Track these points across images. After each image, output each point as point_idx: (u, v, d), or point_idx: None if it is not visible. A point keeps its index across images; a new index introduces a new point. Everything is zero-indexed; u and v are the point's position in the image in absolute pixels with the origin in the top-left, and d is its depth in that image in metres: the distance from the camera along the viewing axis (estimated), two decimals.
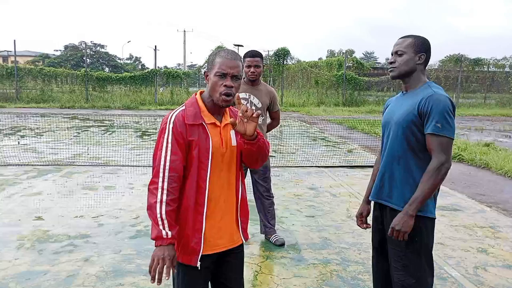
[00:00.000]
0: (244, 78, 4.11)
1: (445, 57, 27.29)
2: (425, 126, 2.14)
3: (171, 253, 1.77)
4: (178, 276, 1.96)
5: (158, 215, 1.78)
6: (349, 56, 28.77)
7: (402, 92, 2.37)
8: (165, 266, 1.75)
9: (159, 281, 1.75)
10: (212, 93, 1.91)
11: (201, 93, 2.01)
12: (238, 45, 32.53)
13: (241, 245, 2.11)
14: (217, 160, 1.92)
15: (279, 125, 4.39)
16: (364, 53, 79.86)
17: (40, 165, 7.56)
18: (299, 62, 28.05)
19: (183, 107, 1.94)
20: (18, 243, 4.00)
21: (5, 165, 7.43)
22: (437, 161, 2.10)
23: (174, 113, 1.92)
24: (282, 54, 25.52)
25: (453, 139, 2.12)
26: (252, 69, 3.90)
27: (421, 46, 2.24)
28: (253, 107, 3.97)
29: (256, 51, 3.99)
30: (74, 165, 7.62)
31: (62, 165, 7.59)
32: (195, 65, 31.97)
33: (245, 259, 3.68)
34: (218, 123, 1.95)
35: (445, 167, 2.10)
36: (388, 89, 27.89)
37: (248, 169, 4.10)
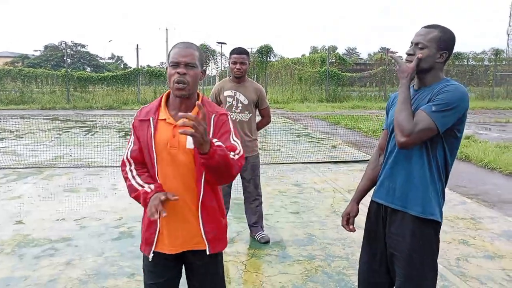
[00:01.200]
0: (230, 75, 4.09)
1: None
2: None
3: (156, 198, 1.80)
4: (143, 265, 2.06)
5: (137, 185, 1.92)
6: (332, 52, 28.90)
7: (413, 87, 2.09)
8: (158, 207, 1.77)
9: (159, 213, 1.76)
10: (169, 85, 1.90)
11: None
12: (222, 43, 32.47)
13: (210, 256, 1.96)
14: (165, 159, 1.88)
15: (270, 123, 4.35)
16: (346, 49, 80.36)
17: (20, 168, 7.41)
18: (282, 59, 28.09)
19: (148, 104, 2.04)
20: None
21: None
22: (409, 124, 1.87)
23: (141, 108, 2.04)
24: (265, 51, 25.53)
25: (437, 131, 1.88)
26: (238, 66, 3.88)
27: (447, 43, 1.96)
28: (239, 104, 3.95)
29: (242, 48, 3.97)
30: (55, 167, 7.49)
31: (42, 167, 7.45)
32: None
33: (230, 258, 3.73)
34: (170, 120, 1.89)
35: (408, 139, 1.87)
36: (371, 84, 28.15)
37: None
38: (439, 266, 3.58)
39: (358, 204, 2.31)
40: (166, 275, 2.01)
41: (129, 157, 1.98)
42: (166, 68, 1.94)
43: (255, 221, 4.19)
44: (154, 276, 2.00)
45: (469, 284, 3.31)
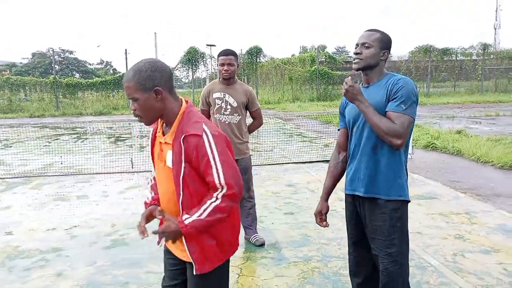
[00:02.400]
0: (219, 77, 4.03)
1: (415, 48, 27.82)
2: (389, 104, 2.16)
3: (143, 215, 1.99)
4: None
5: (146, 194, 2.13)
6: (321, 52, 28.95)
7: (362, 85, 2.36)
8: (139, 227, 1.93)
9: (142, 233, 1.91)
10: None
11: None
12: (211, 45, 32.30)
13: (201, 276, 1.88)
14: (157, 170, 1.97)
15: (262, 124, 4.26)
16: (336, 47, 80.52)
17: (9, 177, 7.28)
18: (272, 59, 28.06)
19: None
20: None
21: None
22: (397, 129, 2.10)
23: None
24: (255, 52, 25.47)
25: (414, 121, 2.18)
26: (225, 67, 3.83)
27: (387, 43, 2.27)
28: (229, 107, 3.90)
29: (230, 49, 3.92)
30: (45, 175, 7.37)
31: (32, 176, 7.34)
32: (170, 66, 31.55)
33: None
34: (160, 136, 1.92)
35: (399, 142, 2.11)
36: (361, 82, 28.18)
37: None
38: (435, 262, 3.58)
39: (326, 201, 2.54)
40: (179, 278, 2.04)
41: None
42: None
43: (249, 223, 4.14)
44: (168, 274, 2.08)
45: (466, 279, 3.29)
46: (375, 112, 2.15)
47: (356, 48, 2.30)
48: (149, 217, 1.97)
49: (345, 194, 2.43)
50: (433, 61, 27.00)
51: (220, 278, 1.97)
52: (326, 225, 2.51)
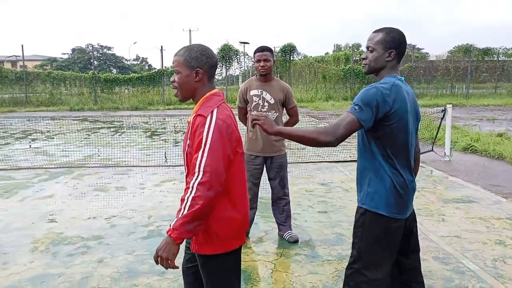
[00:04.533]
0: (256, 75, 4.06)
1: (454, 48, 26.97)
2: None
3: None
4: None
5: None
6: (356, 50, 28.53)
7: None
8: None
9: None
10: None
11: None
12: (244, 43, 32.49)
13: (202, 256, 1.95)
14: None
15: (298, 122, 4.27)
16: None
17: (52, 168, 7.60)
18: (305, 58, 27.91)
19: None
20: (32, 246, 4.02)
21: (17, 169, 7.48)
22: (327, 127, 2.05)
23: None
24: (289, 50, 25.43)
25: (359, 124, 2.03)
26: (262, 63, 3.86)
27: (392, 42, 2.16)
28: (266, 104, 3.92)
29: (265, 46, 3.94)
30: (85, 167, 7.65)
31: (73, 167, 7.63)
32: None
33: (259, 257, 3.71)
34: (189, 120, 1.98)
35: (328, 138, 2.02)
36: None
37: (265, 166, 4.06)
38: (475, 267, 3.48)
39: None
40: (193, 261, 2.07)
41: None
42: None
43: (283, 220, 4.16)
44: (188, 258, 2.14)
45: (506, 286, 3.19)
46: (292, 129, 2.17)
47: (364, 52, 2.29)
48: None
49: None
50: (473, 61, 26.07)
51: (217, 265, 1.95)
52: None
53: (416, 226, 2.41)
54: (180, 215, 1.75)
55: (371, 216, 2.16)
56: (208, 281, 1.98)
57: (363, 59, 2.24)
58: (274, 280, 3.34)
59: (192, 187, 1.76)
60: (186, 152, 1.93)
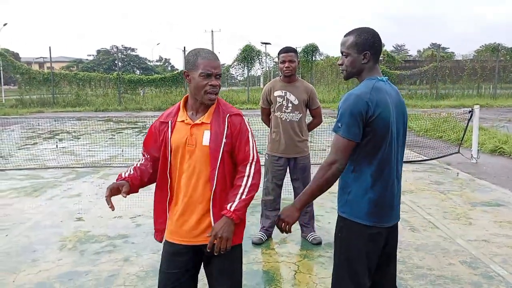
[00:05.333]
0: (280, 75, 4.06)
1: (481, 47, 26.33)
2: None
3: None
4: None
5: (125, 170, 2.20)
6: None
7: None
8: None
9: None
10: (197, 92, 2.02)
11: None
12: (266, 43, 32.61)
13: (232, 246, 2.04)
14: (179, 156, 2.04)
15: (321, 123, 4.27)
16: (394, 46, 78.18)
17: (78, 167, 7.79)
18: (328, 58, 27.73)
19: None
20: (60, 244, 4.13)
21: (45, 168, 7.69)
22: (327, 159, 1.99)
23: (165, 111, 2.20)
24: (311, 50, 25.35)
25: (352, 141, 1.95)
26: (286, 64, 3.86)
27: (364, 45, 2.06)
28: (290, 104, 3.92)
29: (290, 46, 3.94)
30: (111, 166, 7.80)
31: (99, 167, 7.79)
32: (223, 64, 32.19)
33: (282, 258, 3.71)
34: (188, 121, 2.05)
35: (335, 166, 1.96)
36: (421, 82, 27.17)
37: (288, 167, 4.06)
38: (504, 272, 3.40)
39: None
40: (183, 267, 2.08)
41: (143, 150, 2.22)
42: (184, 72, 2.10)
43: (307, 222, 4.15)
44: (171, 265, 2.10)
45: None
46: (306, 189, 2.08)
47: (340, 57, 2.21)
48: (114, 191, 2.12)
49: None
50: (501, 60, 25.37)
51: (238, 252, 2.15)
52: None
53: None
54: (240, 199, 1.98)
55: (349, 225, 2.07)
56: (232, 268, 2.11)
57: (340, 65, 2.16)
58: (298, 282, 3.34)
59: (249, 175, 2.01)
60: (223, 151, 2.00)
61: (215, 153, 1.99)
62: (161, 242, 2.17)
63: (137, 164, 2.22)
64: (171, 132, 2.06)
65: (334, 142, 2.00)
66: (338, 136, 1.98)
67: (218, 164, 2.00)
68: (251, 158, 2.04)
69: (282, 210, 2.16)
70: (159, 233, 2.18)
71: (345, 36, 2.13)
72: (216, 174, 2.00)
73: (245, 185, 2.00)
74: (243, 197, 1.98)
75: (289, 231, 2.13)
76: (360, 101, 1.95)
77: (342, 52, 2.13)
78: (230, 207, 1.96)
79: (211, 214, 2.02)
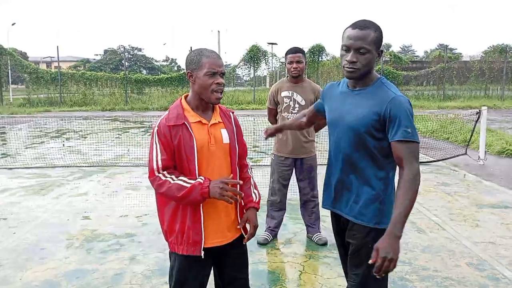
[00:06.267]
0: (287, 76, 4.06)
1: (488, 48, 26.14)
2: (390, 132, 1.83)
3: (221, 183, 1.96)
4: (175, 267, 2.10)
5: (183, 183, 1.93)
6: (386, 51, 28.06)
7: (348, 87, 2.03)
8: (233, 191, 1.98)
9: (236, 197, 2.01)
10: (203, 91, 2.01)
11: (185, 96, 2.12)
12: (272, 43, 32.58)
13: (242, 242, 2.20)
14: (205, 157, 2.02)
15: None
16: (401, 46, 77.79)
17: (85, 166, 7.83)
18: (334, 58, 27.66)
19: (167, 112, 2.08)
20: (67, 242, 4.16)
21: (52, 167, 7.75)
22: (413, 171, 1.80)
23: (159, 118, 2.06)
24: (317, 50, 25.28)
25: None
26: (294, 65, 3.86)
27: (381, 41, 1.86)
28: (297, 105, 3.92)
29: (297, 47, 3.94)
30: (117, 166, 7.84)
31: (105, 166, 7.83)
32: (229, 64, 32.27)
33: (288, 259, 3.72)
34: (204, 121, 2.06)
35: (419, 175, 1.83)
36: (428, 83, 27.02)
37: (294, 168, 4.06)
38: (510, 274, 3.38)
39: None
40: (202, 272, 2.10)
41: (160, 167, 1.98)
42: (188, 72, 2.04)
43: (312, 222, 4.15)
44: (193, 274, 2.08)
45: None
46: (405, 207, 1.78)
47: (345, 51, 1.89)
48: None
49: None
50: (509, 62, 25.18)
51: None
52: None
53: None
54: (256, 191, 2.27)
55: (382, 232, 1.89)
56: (246, 261, 2.26)
57: (351, 62, 1.85)
58: (303, 282, 3.34)
59: (251, 171, 2.33)
60: (238, 150, 2.16)
61: (234, 149, 2.12)
62: (199, 255, 2.02)
63: (179, 177, 1.99)
64: (187, 133, 1.99)
65: (411, 150, 1.80)
66: (415, 143, 1.81)
67: (236, 159, 2.15)
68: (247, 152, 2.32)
69: (379, 246, 1.76)
70: (197, 246, 2.01)
71: (360, 29, 1.84)
72: (237, 169, 2.16)
73: (252, 182, 2.30)
74: (256, 192, 2.29)
75: (393, 268, 1.76)
76: (410, 103, 1.89)
77: (359, 49, 1.83)
78: (255, 198, 2.27)
79: (237, 211, 2.16)
